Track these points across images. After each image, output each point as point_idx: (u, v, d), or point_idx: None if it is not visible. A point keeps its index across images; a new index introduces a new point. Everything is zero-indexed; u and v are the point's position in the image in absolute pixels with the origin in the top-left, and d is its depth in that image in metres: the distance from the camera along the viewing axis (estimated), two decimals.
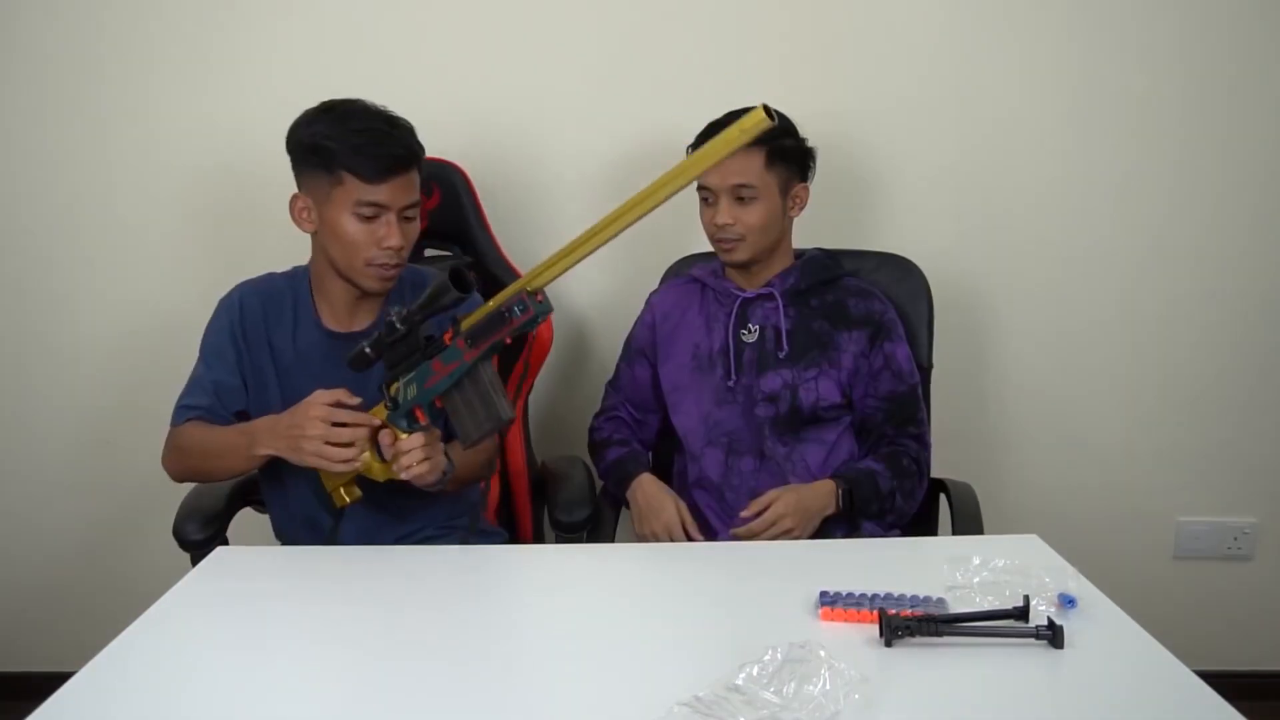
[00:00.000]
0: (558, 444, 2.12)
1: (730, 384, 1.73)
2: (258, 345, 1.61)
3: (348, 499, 1.49)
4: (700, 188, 1.70)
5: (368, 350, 1.40)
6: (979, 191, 2.12)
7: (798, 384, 1.70)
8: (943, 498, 1.79)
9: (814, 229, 1.86)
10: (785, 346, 1.71)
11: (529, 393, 1.95)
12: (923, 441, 1.74)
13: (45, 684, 1.05)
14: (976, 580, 1.22)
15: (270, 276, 1.68)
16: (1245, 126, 2.07)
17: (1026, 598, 1.14)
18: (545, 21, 2.05)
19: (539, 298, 1.28)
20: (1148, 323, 2.16)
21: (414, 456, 1.38)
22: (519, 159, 2.10)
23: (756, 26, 2.05)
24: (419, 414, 1.39)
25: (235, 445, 1.50)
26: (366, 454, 1.42)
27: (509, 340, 1.31)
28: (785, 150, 1.68)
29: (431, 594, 1.31)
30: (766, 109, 1.07)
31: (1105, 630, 1.14)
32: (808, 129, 1.72)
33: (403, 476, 1.40)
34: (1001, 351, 2.19)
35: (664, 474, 1.85)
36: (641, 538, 1.68)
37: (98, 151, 2.10)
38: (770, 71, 2.05)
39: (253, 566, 1.41)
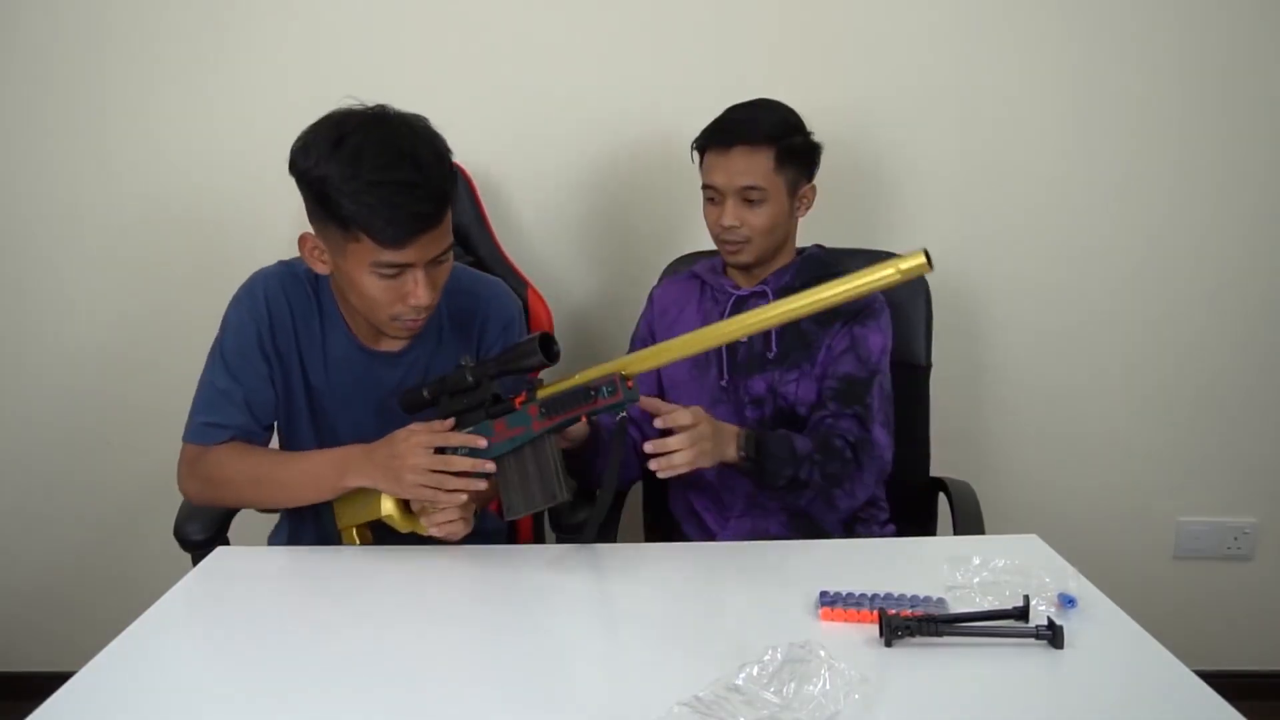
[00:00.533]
0: None
1: (724, 384, 1.72)
2: (287, 351, 1.47)
3: (359, 541, 1.45)
4: (706, 186, 1.67)
5: (425, 394, 1.35)
6: (978, 191, 2.12)
7: (778, 386, 1.67)
8: (943, 497, 1.79)
9: (811, 227, 1.85)
10: (774, 348, 1.68)
11: None
12: (864, 424, 1.58)
13: (45, 684, 1.06)
14: (976, 580, 1.22)
15: (289, 269, 1.49)
16: (1245, 126, 2.07)
17: (1026, 598, 1.14)
18: (546, 21, 2.05)
19: (630, 384, 1.23)
20: (1148, 323, 2.16)
21: (449, 515, 1.32)
22: (520, 158, 2.10)
23: (757, 26, 2.05)
24: None
25: (319, 476, 1.37)
26: (390, 502, 1.36)
27: (586, 421, 1.26)
28: (795, 149, 1.64)
29: (431, 594, 1.31)
30: (927, 255, 1.05)
31: (1105, 630, 1.14)
32: (807, 126, 1.71)
33: (431, 532, 1.34)
34: (1001, 351, 2.19)
35: None
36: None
37: (98, 151, 2.10)
38: (770, 70, 2.04)
39: (253, 566, 1.41)
